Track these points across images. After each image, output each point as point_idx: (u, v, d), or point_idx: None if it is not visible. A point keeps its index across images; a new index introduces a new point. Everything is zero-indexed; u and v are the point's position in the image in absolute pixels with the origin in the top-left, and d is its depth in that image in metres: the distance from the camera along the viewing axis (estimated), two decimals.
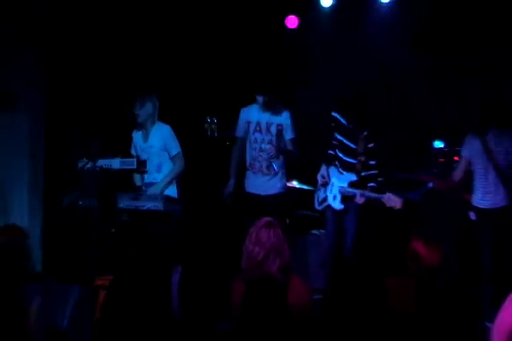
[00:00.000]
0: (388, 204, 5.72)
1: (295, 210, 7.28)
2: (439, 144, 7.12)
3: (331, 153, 6.25)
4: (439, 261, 4.38)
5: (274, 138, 6.28)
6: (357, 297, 3.28)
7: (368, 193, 5.88)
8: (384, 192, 5.78)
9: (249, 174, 6.44)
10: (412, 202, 6.86)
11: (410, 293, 3.89)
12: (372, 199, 5.85)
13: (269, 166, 6.27)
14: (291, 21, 8.25)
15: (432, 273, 4.43)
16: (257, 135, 6.38)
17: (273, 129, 6.33)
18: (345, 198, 6.08)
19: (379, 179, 6.01)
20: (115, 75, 7.53)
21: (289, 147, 6.31)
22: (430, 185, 6.38)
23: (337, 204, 6.14)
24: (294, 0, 8.12)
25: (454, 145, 6.74)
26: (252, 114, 6.42)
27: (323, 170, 6.27)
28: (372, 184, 6.00)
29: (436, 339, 3.91)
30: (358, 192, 5.91)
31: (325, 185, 6.24)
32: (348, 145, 6.15)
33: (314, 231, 7.02)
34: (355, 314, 3.18)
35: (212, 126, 7.18)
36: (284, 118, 6.25)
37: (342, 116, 6.15)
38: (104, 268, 5.45)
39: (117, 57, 7.51)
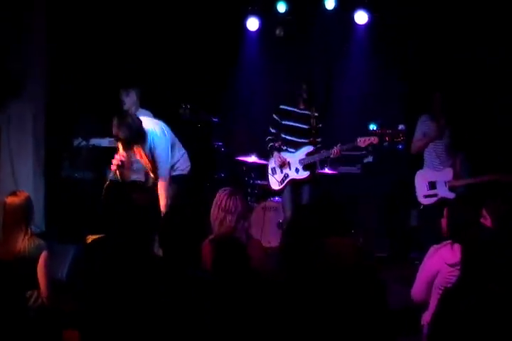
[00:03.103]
0: (365, 144, 5.74)
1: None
2: (372, 126, 7.11)
3: (274, 145, 6.11)
4: None
5: None
6: (302, 255, 3.20)
7: (340, 146, 5.80)
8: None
9: None
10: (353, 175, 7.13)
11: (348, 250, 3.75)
12: (347, 148, 5.83)
13: None
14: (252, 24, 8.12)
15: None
16: None
17: None
18: (307, 166, 6.03)
19: None
20: (110, 65, 7.35)
21: None
22: (369, 159, 6.35)
23: (302, 174, 6.02)
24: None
25: (384, 127, 6.65)
26: None
27: (276, 155, 6.10)
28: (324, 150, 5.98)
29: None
30: (330, 150, 5.84)
31: (283, 164, 6.08)
32: (300, 127, 6.06)
33: (273, 199, 6.95)
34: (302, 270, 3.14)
35: (186, 111, 7.05)
36: None
37: (292, 105, 6.08)
38: (95, 229, 5.37)
39: (112, 52, 7.33)
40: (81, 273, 4.41)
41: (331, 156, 5.89)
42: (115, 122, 4.83)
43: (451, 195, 5.84)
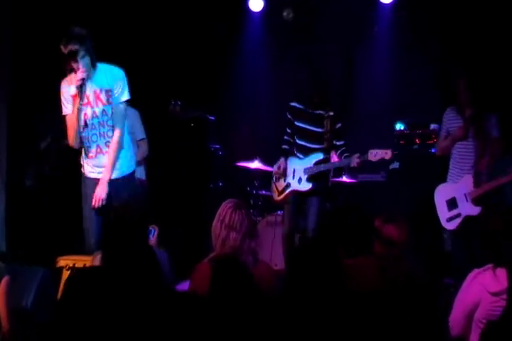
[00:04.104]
0: (376, 159, 5.61)
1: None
2: (400, 126, 7.09)
3: (286, 148, 6.16)
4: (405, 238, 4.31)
5: None
6: (315, 277, 3.19)
7: (359, 156, 5.71)
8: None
9: None
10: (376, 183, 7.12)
11: (370, 273, 3.78)
12: (361, 161, 5.73)
13: None
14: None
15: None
16: None
17: None
18: (312, 177, 6.00)
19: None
20: None
21: None
22: (395, 165, 6.29)
23: (304, 185, 6.03)
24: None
25: (414, 127, 6.78)
26: None
27: (280, 161, 6.16)
28: (347, 154, 5.90)
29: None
30: (345, 160, 5.79)
31: (280, 175, 6.14)
32: (313, 131, 6.03)
33: (280, 212, 6.88)
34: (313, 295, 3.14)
35: (177, 107, 7.03)
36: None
37: (303, 103, 6.05)
38: (67, 248, 5.33)
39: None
40: (50, 301, 4.39)
41: (350, 166, 5.85)
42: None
43: (475, 211, 5.60)
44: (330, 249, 3.38)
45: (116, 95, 5.04)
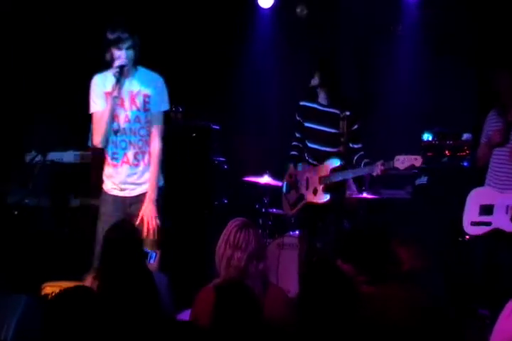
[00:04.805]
0: (404, 167, 5.44)
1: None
2: (428, 136, 7.04)
3: (295, 154, 6.11)
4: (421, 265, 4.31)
5: None
6: (331, 307, 3.20)
7: (384, 163, 5.53)
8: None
9: None
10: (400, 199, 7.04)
11: (393, 302, 3.74)
12: (386, 168, 5.57)
13: None
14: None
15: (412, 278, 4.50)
16: None
17: None
18: (329, 188, 5.87)
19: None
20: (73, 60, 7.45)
21: None
22: (423, 180, 6.24)
23: (320, 197, 5.91)
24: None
25: (444, 137, 6.76)
26: None
27: (290, 170, 6.12)
28: (366, 160, 5.77)
29: None
30: (369, 168, 5.64)
31: (293, 185, 6.08)
32: (326, 132, 5.92)
33: (293, 232, 6.88)
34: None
35: (178, 115, 7.11)
36: None
37: (314, 101, 5.97)
38: (54, 274, 5.33)
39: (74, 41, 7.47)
40: (34, 333, 4.21)
41: (373, 175, 5.69)
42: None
43: (510, 227, 5.56)
44: (348, 276, 3.40)
45: (154, 102, 5.11)
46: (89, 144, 6.60)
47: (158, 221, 4.99)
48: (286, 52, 8.24)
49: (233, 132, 8.01)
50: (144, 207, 5.02)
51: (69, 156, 6.33)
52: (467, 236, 5.77)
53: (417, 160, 5.36)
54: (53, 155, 6.24)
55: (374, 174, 5.61)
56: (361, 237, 4.14)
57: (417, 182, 6.96)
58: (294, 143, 6.10)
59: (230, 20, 8.01)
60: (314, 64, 5.90)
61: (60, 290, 3.31)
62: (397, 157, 5.43)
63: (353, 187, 6.50)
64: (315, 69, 5.85)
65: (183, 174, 6.60)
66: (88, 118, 6.55)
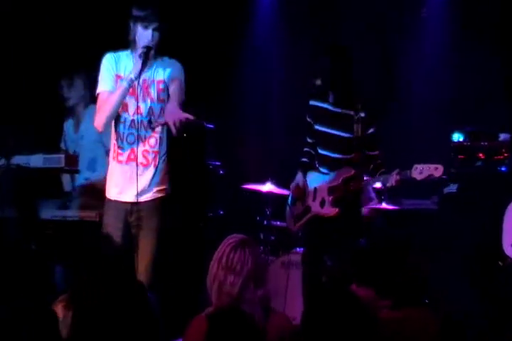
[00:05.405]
0: (422, 177, 5.46)
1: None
2: (458, 137, 6.95)
3: (305, 161, 6.15)
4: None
5: None
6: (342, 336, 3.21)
7: (399, 173, 5.60)
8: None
9: None
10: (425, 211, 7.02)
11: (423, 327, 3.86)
12: (403, 178, 5.61)
13: None
14: None
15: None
16: None
17: None
18: (340, 199, 5.90)
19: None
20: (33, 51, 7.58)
21: None
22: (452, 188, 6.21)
23: (328, 209, 5.92)
24: None
25: (478, 138, 6.73)
26: None
27: (298, 177, 6.16)
28: (383, 169, 5.82)
29: None
30: (383, 178, 5.72)
31: (300, 196, 6.11)
32: (338, 136, 5.95)
33: (299, 249, 6.84)
34: None
35: None
36: None
37: (325, 100, 6.00)
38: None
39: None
40: None
41: (387, 186, 5.75)
42: None
43: None
44: (365, 301, 3.34)
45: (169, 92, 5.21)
46: (62, 145, 6.83)
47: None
48: (290, 40, 8.31)
49: (230, 132, 8.07)
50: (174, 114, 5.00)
51: (37, 160, 6.17)
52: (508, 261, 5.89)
53: (437, 170, 5.40)
54: (19, 159, 6.16)
55: (388, 185, 5.70)
56: (380, 255, 4.20)
57: (446, 190, 6.91)
58: (305, 148, 6.17)
59: (228, 8, 8.13)
60: (320, 61, 6.02)
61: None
62: (415, 166, 5.49)
63: (372, 194, 6.49)
64: (317, 69, 6.00)
65: (172, 181, 6.45)
66: (59, 117, 6.63)
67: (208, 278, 3.99)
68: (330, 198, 5.92)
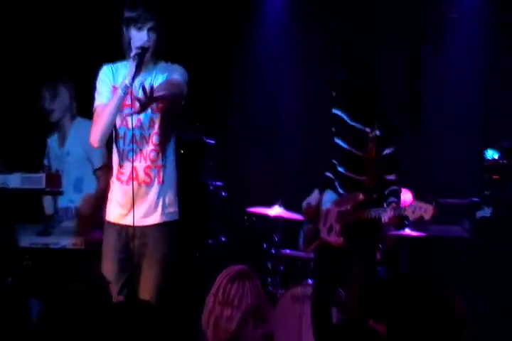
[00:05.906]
0: (415, 216, 5.32)
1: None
2: (492, 154, 6.93)
3: (329, 176, 5.99)
4: None
5: None
6: None
7: (395, 207, 5.49)
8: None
9: None
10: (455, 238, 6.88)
11: None
12: (399, 213, 5.48)
13: None
14: None
15: None
16: None
17: None
18: (349, 228, 5.75)
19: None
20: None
21: None
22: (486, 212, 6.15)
23: (333, 238, 5.80)
24: None
25: None
26: None
27: (313, 195, 6.02)
28: (393, 199, 5.64)
29: None
30: (382, 210, 5.57)
31: (311, 215, 5.97)
32: (355, 155, 5.82)
33: (311, 280, 6.72)
34: None
35: None
36: None
37: (346, 111, 5.87)
38: None
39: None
40: None
41: (385, 220, 5.60)
42: None
43: None
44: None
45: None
46: (45, 162, 6.71)
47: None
48: (301, 42, 8.35)
49: (233, 148, 8.07)
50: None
51: (14, 180, 6.01)
52: None
53: (426, 212, 5.29)
54: None
55: (383, 220, 5.54)
56: (403, 289, 4.34)
57: (479, 214, 6.87)
58: (333, 161, 5.96)
59: (232, 8, 8.23)
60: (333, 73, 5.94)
61: None
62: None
63: None
64: (331, 81, 5.92)
65: None
66: (41, 133, 6.55)
67: (204, 313, 3.96)
68: (337, 226, 5.80)
